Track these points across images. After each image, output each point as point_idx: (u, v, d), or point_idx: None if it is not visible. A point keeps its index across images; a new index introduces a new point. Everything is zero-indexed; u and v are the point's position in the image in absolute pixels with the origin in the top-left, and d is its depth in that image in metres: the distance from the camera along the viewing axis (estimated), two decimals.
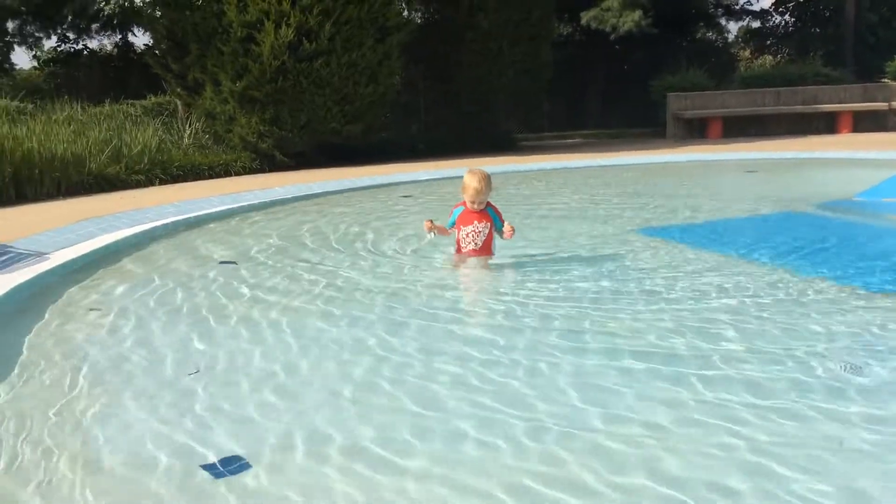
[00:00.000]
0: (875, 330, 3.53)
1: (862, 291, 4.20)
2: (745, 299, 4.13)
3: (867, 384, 2.87)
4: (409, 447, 2.46)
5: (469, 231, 5.03)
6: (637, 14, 20.93)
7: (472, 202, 4.95)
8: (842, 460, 2.28)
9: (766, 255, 5.23)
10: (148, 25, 15.53)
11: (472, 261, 5.08)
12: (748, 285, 4.44)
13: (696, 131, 20.36)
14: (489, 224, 5.03)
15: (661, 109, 21.08)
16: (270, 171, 13.76)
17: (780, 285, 4.41)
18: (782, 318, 3.77)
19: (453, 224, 5.12)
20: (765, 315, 3.83)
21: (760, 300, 4.10)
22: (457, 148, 16.55)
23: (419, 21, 19.11)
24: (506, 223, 5.00)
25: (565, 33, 27.21)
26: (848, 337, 3.45)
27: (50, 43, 24.74)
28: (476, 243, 5.05)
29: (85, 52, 25.10)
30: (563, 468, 2.29)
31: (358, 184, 10.98)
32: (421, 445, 2.48)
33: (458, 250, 5.16)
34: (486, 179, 4.94)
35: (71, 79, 23.03)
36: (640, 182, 10.92)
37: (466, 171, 5.05)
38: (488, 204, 5.04)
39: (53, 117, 13.48)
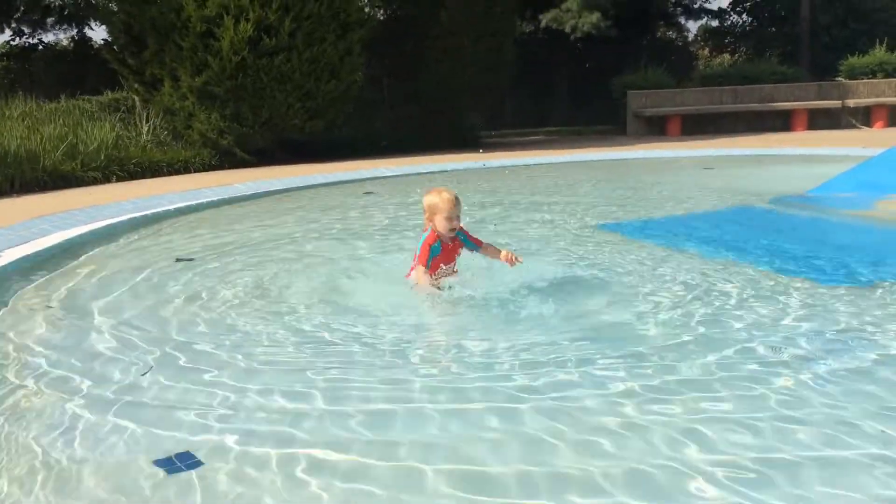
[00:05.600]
0: (818, 318, 3.65)
1: (806, 282, 4.32)
2: (698, 291, 4.22)
3: (815, 369, 2.96)
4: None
5: (449, 268, 4.17)
6: (595, 16, 21.14)
7: (450, 224, 4.01)
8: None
9: (719, 249, 5.34)
10: (104, 19, 15.21)
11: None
12: (701, 277, 4.53)
13: (655, 129, 20.64)
14: (464, 248, 4.24)
15: (622, 107, 21.33)
16: (231, 167, 13.62)
17: (732, 277, 4.52)
18: (731, 307, 3.87)
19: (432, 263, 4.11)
20: (715, 304, 3.92)
21: (712, 291, 4.20)
22: (421, 145, 16.55)
23: (381, 17, 19.06)
24: (503, 253, 4.13)
25: (528, 31, 27.34)
26: (794, 324, 3.55)
27: (3, 37, 24.19)
28: (452, 269, 4.22)
29: (40, 47, 24.57)
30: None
31: (320, 180, 10.94)
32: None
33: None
34: (457, 196, 4.10)
35: (26, 74, 22.54)
36: (598, 179, 11.04)
37: (429, 193, 4.12)
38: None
39: (7, 113, 13.18)
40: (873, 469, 2.18)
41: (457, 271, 4.26)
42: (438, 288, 4.04)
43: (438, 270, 4.10)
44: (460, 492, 2.13)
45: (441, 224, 4.01)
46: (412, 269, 4.20)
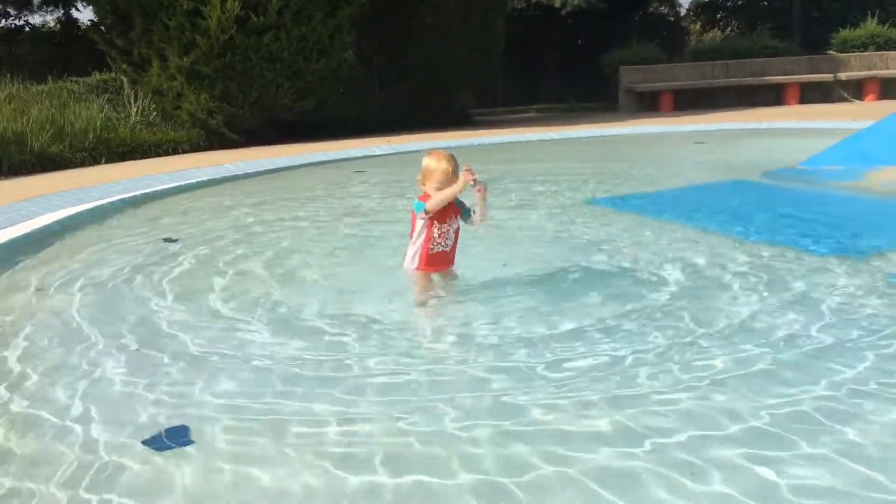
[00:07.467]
0: (812, 288, 3.66)
1: (801, 254, 4.33)
2: (691, 264, 4.23)
3: (808, 341, 2.97)
4: None
5: (446, 229, 3.92)
6: None
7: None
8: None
9: (711, 221, 5.35)
10: (91, 0, 15.02)
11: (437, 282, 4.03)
12: (694, 250, 4.54)
13: (647, 104, 20.53)
14: (459, 215, 3.99)
15: (613, 83, 21.21)
16: (221, 148, 13.51)
17: (725, 249, 4.53)
18: (722, 277, 3.88)
19: (426, 212, 3.84)
20: (707, 275, 3.93)
21: (704, 262, 4.21)
22: (411, 123, 16.42)
23: None
24: (465, 177, 3.65)
25: (519, 7, 27.13)
26: (785, 296, 3.56)
27: None
28: (447, 243, 3.97)
29: (27, 29, 24.28)
30: None
31: (310, 159, 10.89)
32: None
33: (424, 256, 3.94)
34: (455, 158, 3.87)
35: (12, 56, 22.27)
36: (590, 154, 11.02)
37: (426, 156, 3.94)
38: None
39: None
40: None
41: (452, 253, 4.02)
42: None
43: (432, 229, 3.87)
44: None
45: (432, 192, 3.79)
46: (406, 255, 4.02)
